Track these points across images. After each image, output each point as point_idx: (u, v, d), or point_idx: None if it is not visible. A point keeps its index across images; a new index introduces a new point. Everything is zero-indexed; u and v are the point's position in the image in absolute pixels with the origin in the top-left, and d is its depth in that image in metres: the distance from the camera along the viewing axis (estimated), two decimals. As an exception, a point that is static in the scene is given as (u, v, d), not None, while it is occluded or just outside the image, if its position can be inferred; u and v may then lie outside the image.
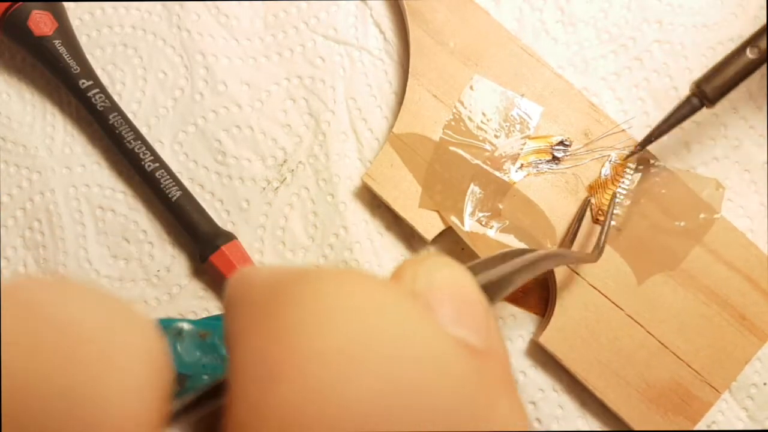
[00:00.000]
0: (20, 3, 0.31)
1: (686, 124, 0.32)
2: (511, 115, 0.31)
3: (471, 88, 0.32)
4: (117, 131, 0.31)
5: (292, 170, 0.33)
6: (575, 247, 0.30)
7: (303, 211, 0.32)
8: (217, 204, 0.32)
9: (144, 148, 0.31)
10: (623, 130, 0.31)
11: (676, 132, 0.32)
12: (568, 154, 0.31)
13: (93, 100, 0.31)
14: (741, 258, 0.30)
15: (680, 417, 0.30)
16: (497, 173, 0.31)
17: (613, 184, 0.31)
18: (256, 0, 0.34)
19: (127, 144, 0.31)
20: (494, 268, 0.16)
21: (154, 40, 0.34)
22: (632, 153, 0.30)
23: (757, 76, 0.33)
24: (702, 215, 0.31)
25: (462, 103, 0.31)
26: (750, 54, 0.26)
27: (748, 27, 0.33)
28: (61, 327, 0.10)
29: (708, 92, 0.27)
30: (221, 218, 0.32)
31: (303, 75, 0.33)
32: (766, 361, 0.31)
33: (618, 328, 0.30)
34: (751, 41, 0.27)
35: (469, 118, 0.31)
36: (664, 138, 0.32)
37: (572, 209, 0.31)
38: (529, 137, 0.31)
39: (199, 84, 0.33)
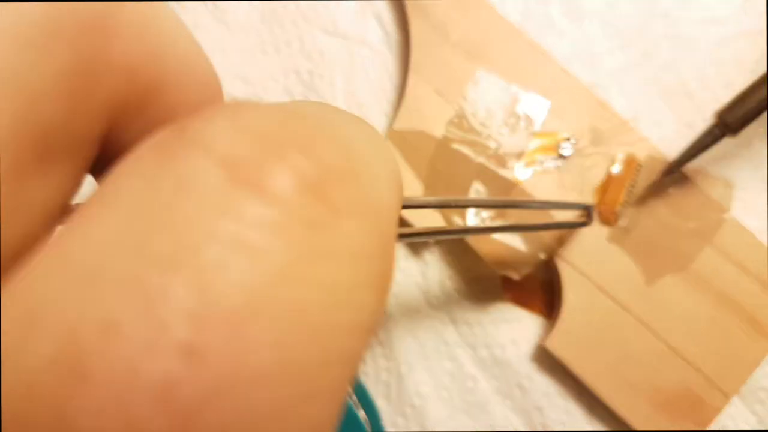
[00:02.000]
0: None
1: (696, 121, 0.32)
2: (516, 112, 0.31)
3: (474, 83, 0.31)
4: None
5: (290, 168, 0.32)
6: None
7: (301, 211, 0.31)
8: (212, 203, 0.31)
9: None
10: (631, 128, 0.30)
11: (684, 128, 0.31)
12: (574, 151, 0.30)
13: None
14: (751, 259, 0.30)
15: (689, 422, 0.29)
16: (501, 171, 0.30)
17: (622, 182, 0.30)
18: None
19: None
20: None
21: (146, 33, 0.33)
22: (654, 183, 0.30)
23: None
24: (712, 215, 0.30)
25: (465, 99, 0.31)
26: None
27: (757, 22, 0.32)
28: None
29: (730, 122, 0.27)
30: (216, 218, 0.31)
31: (301, 70, 0.32)
32: (776, 364, 0.30)
33: (626, 332, 0.29)
34: None
35: (473, 114, 0.30)
36: (673, 135, 0.31)
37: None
38: (534, 134, 0.30)
39: (194, 79, 0.32)
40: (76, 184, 0.10)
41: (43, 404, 0.07)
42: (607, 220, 0.30)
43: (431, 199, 0.20)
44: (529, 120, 0.31)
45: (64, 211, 0.10)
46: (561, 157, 0.30)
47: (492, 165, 0.30)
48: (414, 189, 0.30)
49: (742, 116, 0.27)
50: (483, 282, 0.31)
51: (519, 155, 0.30)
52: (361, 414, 0.28)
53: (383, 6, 0.33)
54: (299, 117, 0.10)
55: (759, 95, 0.27)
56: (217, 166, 0.08)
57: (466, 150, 0.30)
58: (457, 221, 0.30)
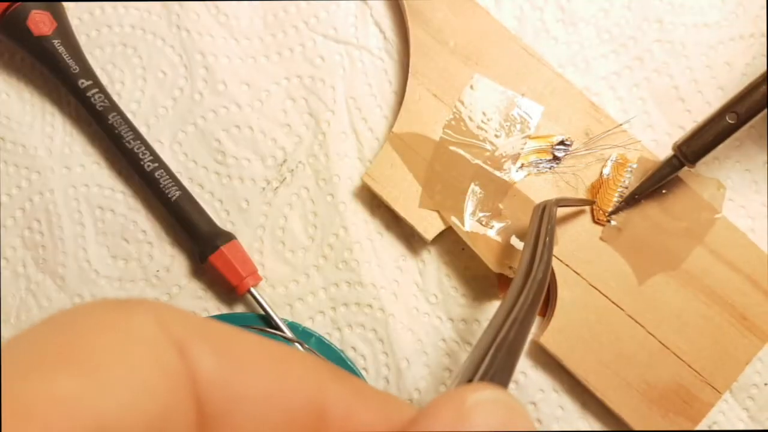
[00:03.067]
0: (19, 3, 0.31)
1: (687, 124, 0.32)
2: (512, 115, 0.31)
3: (471, 87, 0.31)
4: (116, 131, 0.31)
5: (292, 170, 0.32)
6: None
7: (303, 211, 0.32)
8: (217, 204, 0.32)
9: (143, 148, 0.31)
10: (624, 130, 0.31)
11: (677, 131, 0.32)
12: (568, 153, 0.31)
13: (92, 99, 0.31)
14: (742, 258, 0.30)
15: (681, 417, 0.29)
16: (497, 173, 0.31)
17: (614, 183, 0.31)
18: (261, 1, 0.34)
19: (127, 144, 0.31)
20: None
21: (153, 39, 0.34)
22: (616, 210, 0.31)
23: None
24: (703, 215, 0.31)
25: (462, 103, 0.31)
26: (729, 119, 0.28)
27: (749, 26, 0.33)
28: None
29: (688, 154, 0.29)
30: (220, 218, 0.32)
31: (303, 74, 0.33)
32: (767, 361, 0.30)
33: (619, 329, 0.30)
34: (730, 107, 0.28)
35: (470, 118, 0.31)
36: (666, 138, 0.32)
37: (572, 210, 0.31)
38: (529, 137, 0.31)
39: (199, 84, 0.33)
40: None
41: None
42: (600, 220, 0.30)
43: None
44: (524, 123, 0.31)
45: None
46: (555, 158, 0.31)
47: (488, 167, 0.31)
48: (413, 190, 0.31)
49: (699, 148, 0.29)
50: (479, 280, 0.31)
51: (514, 158, 0.31)
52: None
53: (383, 12, 0.34)
54: None
55: (715, 129, 0.28)
56: None
57: (463, 152, 0.31)
58: (455, 222, 0.30)
